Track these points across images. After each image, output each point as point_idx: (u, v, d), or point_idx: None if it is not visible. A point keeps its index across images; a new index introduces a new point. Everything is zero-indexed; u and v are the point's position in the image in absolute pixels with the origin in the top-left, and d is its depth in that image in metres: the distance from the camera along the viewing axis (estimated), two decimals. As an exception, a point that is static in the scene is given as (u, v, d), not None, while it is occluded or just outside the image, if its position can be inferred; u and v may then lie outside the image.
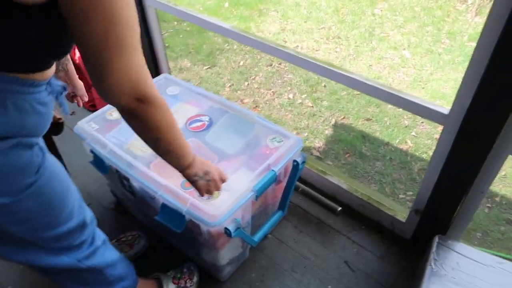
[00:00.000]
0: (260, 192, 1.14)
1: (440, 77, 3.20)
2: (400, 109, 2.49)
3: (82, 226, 0.94)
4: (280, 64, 3.38)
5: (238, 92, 3.10)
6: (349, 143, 2.61)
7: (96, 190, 1.76)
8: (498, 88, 0.93)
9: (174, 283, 1.32)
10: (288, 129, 2.72)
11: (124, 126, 1.38)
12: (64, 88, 0.87)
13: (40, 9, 0.60)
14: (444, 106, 1.12)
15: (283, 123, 2.78)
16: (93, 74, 0.64)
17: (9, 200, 0.71)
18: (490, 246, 1.96)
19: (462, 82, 1.02)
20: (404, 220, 1.44)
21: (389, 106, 2.91)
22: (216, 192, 0.98)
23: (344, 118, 2.83)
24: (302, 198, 1.68)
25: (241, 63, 3.42)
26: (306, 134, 2.74)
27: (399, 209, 1.53)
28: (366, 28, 3.78)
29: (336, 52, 3.51)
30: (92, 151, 1.30)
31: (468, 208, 1.20)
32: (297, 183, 1.66)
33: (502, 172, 2.37)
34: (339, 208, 1.57)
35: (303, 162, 1.27)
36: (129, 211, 1.61)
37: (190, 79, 3.25)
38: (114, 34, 0.61)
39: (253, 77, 3.26)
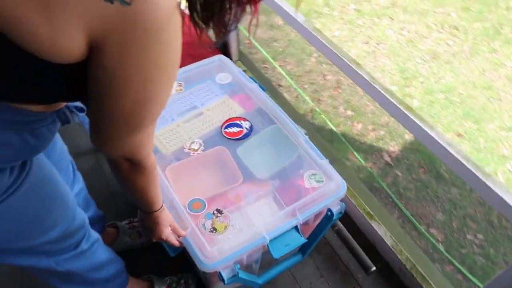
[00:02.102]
0: (276, 250, 0.98)
1: None
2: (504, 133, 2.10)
3: (66, 235, 0.87)
4: (378, 44, 3.02)
5: (324, 65, 2.84)
6: (427, 157, 2.31)
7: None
8: None
9: None
10: (363, 126, 2.47)
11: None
12: (80, 109, 0.79)
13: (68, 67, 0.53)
14: None
15: (361, 114, 2.52)
16: (95, 129, 0.61)
17: None
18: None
19: None
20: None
21: (490, 125, 2.50)
22: (221, 225, 0.98)
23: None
24: (336, 237, 1.45)
25: (336, 34, 3.10)
26: (383, 132, 2.47)
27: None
28: (492, 23, 3.19)
29: (448, 45, 3.03)
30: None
31: None
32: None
33: None
34: (373, 268, 1.32)
35: (340, 213, 1.07)
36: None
37: (277, 39, 3.03)
38: (137, 115, 0.58)
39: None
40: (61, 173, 0.91)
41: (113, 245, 1.24)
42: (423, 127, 1.04)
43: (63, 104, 0.72)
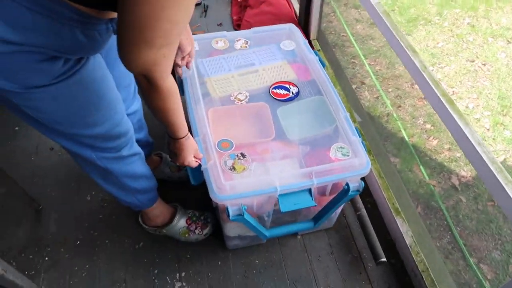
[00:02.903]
0: (285, 204, 1.00)
1: None
2: None
3: (110, 136, 0.98)
4: (484, 65, 2.77)
5: (415, 74, 2.70)
6: (502, 193, 2.08)
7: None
8: None
9: (187, 222, 1.34)
10: (439, 143, 2.30)
11: (220, 59, 1.35)
12: None
13: None
14: None
15: (440, 131, 2.36)
16: (118, 39, 0.67)
17: (20, 89, 0.75)
18: None
19: None
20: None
21: None
22: (240, 166, 1.03)
23: (517, 162, 2.24)
24: (358, 224, 1.41)
25: (440, 45, 2.92)
26: (459, 155, 2.28)
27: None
28: None
29: None
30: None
31: None
32: (361, 204, 1.42)
33: None
34: (383, 259, 1.27)
35: (356, 191, 1.03)
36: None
37: (375, 38, 2.95)
38: (149, 27, 0.62)
39: (443, 65, 2.77)
40: (119, 87, 1.02)
41: (154, 172, 1.37)
42: (496, 175, 0.89)
43: (115, 14, 0.81)
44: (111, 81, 0.94)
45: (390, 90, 2.64)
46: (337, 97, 1.19)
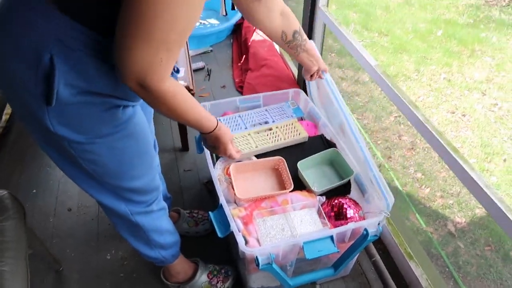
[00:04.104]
0: (309, 251, 1.07)
1: None
2: None
3: (145, 190, 1.04)
4: (464, 115, 2.98)
5: (401, 126, 2.88)
6: (497, 236, 2.18)
7: (202, 158, 1.85)
8: None
9: (208, 277, 1.37)
10: (431, 191, 2.42)
11: (235, 117, 1.46)
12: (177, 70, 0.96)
13: None
14: None
15: (431, 179, 2.49)
16: (115, 41, 0.67)
17: (85, 139, 0.81)
18: None
19: None
20: None
21: None
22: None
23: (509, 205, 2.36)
24: (373, 270, 1.47)
25: (421, 99, 3.14)
26: (451, 202, 2.40)
27: None
28: None
29: (541, 130, 2.89)
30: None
31: None
32: (375, 250, 1.49)
33: None
34: None
35: (375, 236, 1.11)
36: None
37: (360, 94, 3.16)
38: (144, 25, 0.62)
39: (427, 117, 2.96)
40: None
41: (172, 228, 1.42)
42: (499, 204, 1.01)
43: None
44: (150, 135, 1.01)
45: (379, 142, 2.79)
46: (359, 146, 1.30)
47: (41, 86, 0.71)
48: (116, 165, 0.91)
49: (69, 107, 0.75)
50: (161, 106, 0.77)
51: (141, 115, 0.94)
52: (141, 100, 0.89)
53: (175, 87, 0.76)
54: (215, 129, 0.95)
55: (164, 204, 1.19)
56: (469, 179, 1.05)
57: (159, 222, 1.18)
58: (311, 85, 1.52)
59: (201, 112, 0.88)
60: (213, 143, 1.01)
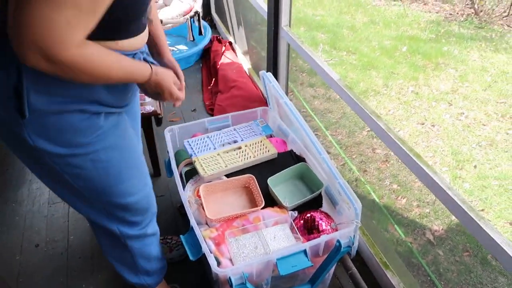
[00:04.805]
0: (283, 268, 1.05)
1: None
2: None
3: (138, 209, 1.00)
4: (433, 126, 3.06)
5: (374, 139, 2.93)
6: (474, 241, 2.21)
7: (174, 183, 1.85)
8: None
9: None
10: (407, 202, 2.45)
11: (204, 138, 1.45)
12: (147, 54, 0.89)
13: None
14: None
15: (407, 190, 2.52)
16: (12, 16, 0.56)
17: (65, 151, 0.78)
18: None
19: None
20: None
21: (550, 220, 2.34)
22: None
23: (483, 210, 2.40)
24: (351, 283, 1.45)
25: (391, 112, 3.22)
26: (428, 210, 2.42)
27: None
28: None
29: (507, 134, 2.99)
30: (168, 151, 1.38)
31: None
32: (351, 263, 1.47)
33: None
34: None
35: (348, 247, 1.11)
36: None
37: (333, 111, 3.21)
38: None
39: (398, 129, 3.03)
40: None
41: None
42: (469, 213, 1.03)
43: (140, 41, 0.82)
44: (138, 148, 0.98)
45: (354, 156, 2.82)
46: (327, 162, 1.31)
47: (13, 98, 0.69)
48: (103, 179, 0.87)
49: (45, 118, 0.72)
50: (81, 76, 0.66)
51: (127, 126, 0.91)
52: (127, 108, 0.87)
53: (86, 49, 0.64)
54: (151, 75, 0.84)
55: (157, 228, 1.15)
56: (436, 186, 1.07)
57: (149, 249, 1.14)
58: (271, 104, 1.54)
59: (128, 65, 0.77)
60: (155, 90, 0.89)
